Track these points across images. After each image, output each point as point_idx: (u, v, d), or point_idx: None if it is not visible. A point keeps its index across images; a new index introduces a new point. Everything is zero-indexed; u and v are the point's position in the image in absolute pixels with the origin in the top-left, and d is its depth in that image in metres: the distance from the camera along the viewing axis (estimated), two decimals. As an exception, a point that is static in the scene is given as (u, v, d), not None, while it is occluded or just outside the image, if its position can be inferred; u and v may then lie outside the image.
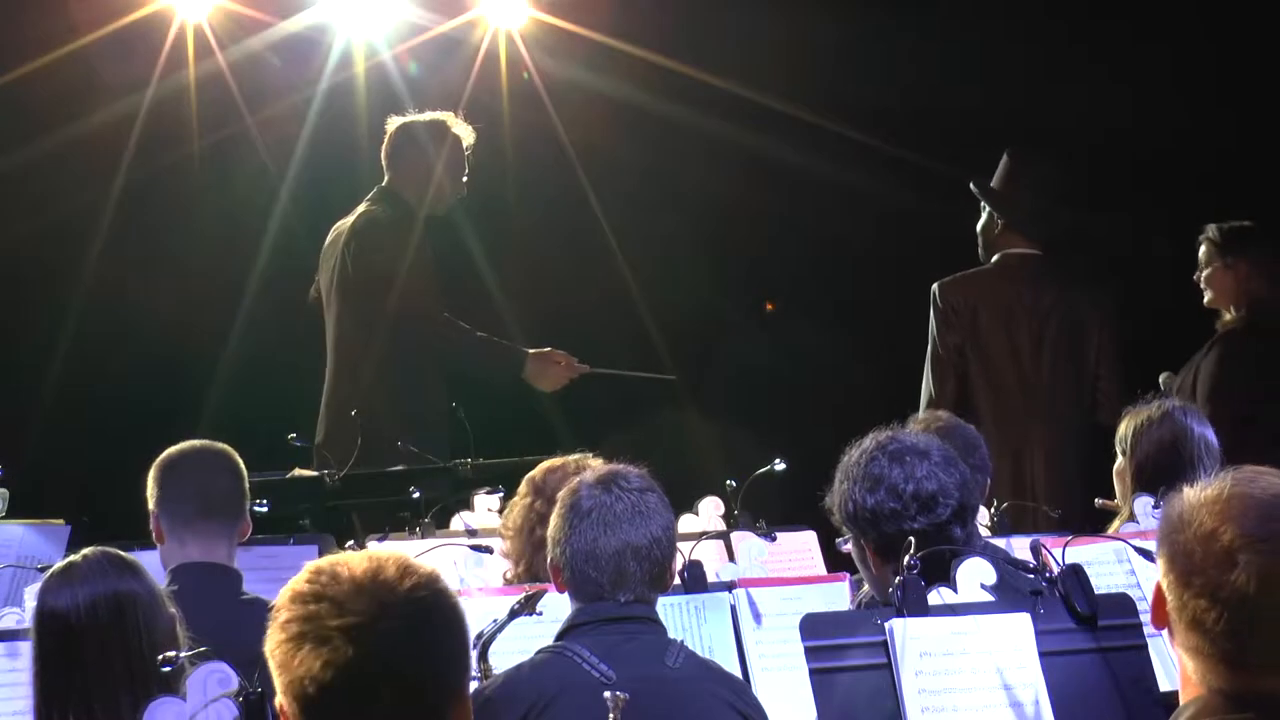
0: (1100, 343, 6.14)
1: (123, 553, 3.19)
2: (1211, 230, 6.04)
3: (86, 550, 3.16)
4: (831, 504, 3.43)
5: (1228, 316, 6.01)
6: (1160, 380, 6.00)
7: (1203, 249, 6.06)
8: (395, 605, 2.03)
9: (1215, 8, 7.01)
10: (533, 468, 4.24)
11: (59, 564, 3.15)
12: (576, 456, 4.22)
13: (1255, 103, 7.00)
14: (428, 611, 2.06)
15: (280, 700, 2.06)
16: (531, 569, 4.00)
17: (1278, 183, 6.83)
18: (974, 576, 3.13)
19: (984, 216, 6.31)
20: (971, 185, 6.30)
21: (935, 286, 6.20)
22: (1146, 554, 3.68)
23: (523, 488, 4.17)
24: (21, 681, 3.31)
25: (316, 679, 2.01)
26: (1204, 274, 6.06)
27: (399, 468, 5.80)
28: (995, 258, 6.26)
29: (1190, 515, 2.28)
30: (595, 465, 4.06)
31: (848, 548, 3.45)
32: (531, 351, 6.47)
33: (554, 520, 3.35)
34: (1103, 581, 3.65)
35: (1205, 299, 6.07)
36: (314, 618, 2.03)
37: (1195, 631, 2.27)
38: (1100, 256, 6.78)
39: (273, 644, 2.06)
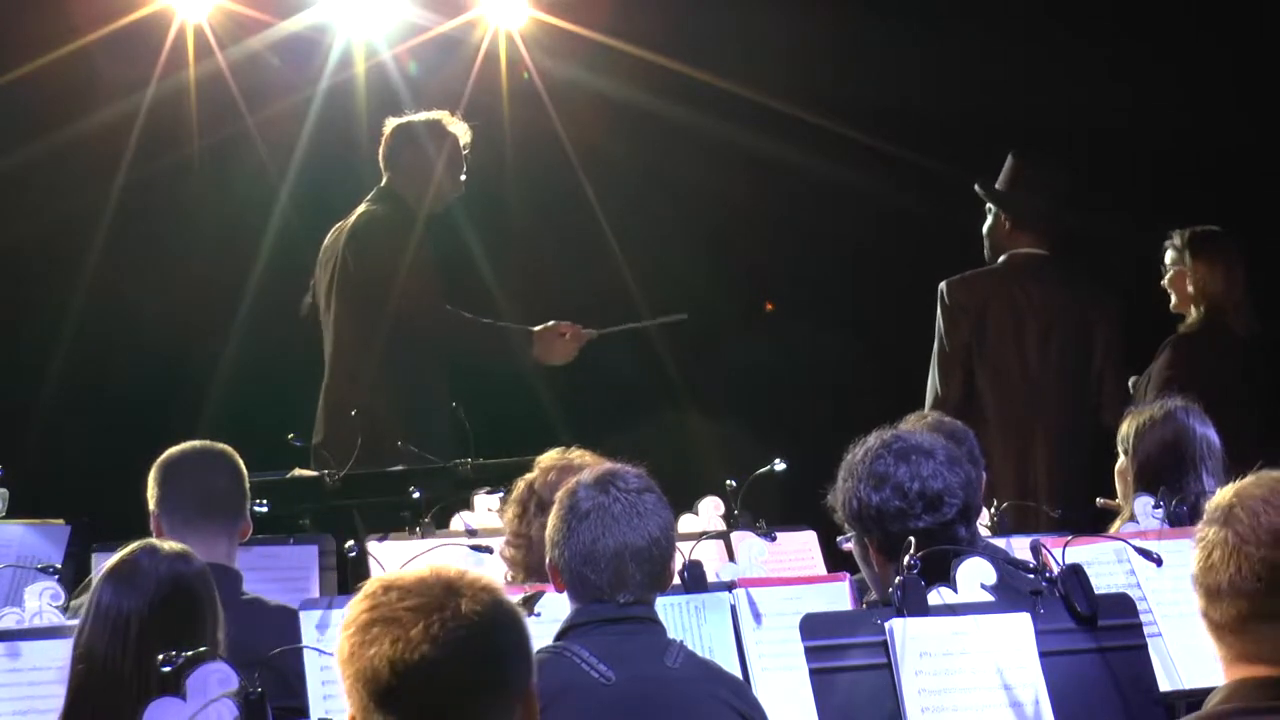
0: (1105, 343, 6.15)
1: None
2: (1174, 234, 6.06)
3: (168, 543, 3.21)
4: (834, 502, 3.43)
5: (1190, 319, 6.03)
6: (1130, 383, 6.01)
7: (1167, 254, 6.08)
8: (461, 593, 2.02)
9: (1215, 6, 7.01)
10: (530, 468, 4.24)
11: (148, 543, 3.17)
12: (575, 452, 4.21)
13: (1257, 101, 6.99)
14: (491, 607, 2.04)
15: (349, 702, 2.02)
16: (529, 571, 4.00)
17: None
18: (974, 576, 3.13)
19: (990, 219, 6.31)
20: (977, 187, 6.30)
21: (943, 285, 6.20)
22: (1146, 554, 3.69)
23: (519, 488, 4.17)
24: (22, 682, 3.31)
25: (387, 656, 1.97)
26: (1167, 278, 6.08)
27: (399, 468, 5.80)
28: (1003, 257, 6.26)
29: (1238, 502, 2.35)
30: (588, 459, 4.07)
31: (849, 546, 3.45)
32: (537, 329, 6.49)
33: (552, 521, 3.35)
34: (1103, 581, 3.65)
35: (1171, 304, 6.09)
36: (383, 605, 2.01)
37: (1233, 617, 2.32)
38: (1104, 257, 6.78)
39: (342, 648, 2.02)
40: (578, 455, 4.18)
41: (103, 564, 3.22)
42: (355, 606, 2.04)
